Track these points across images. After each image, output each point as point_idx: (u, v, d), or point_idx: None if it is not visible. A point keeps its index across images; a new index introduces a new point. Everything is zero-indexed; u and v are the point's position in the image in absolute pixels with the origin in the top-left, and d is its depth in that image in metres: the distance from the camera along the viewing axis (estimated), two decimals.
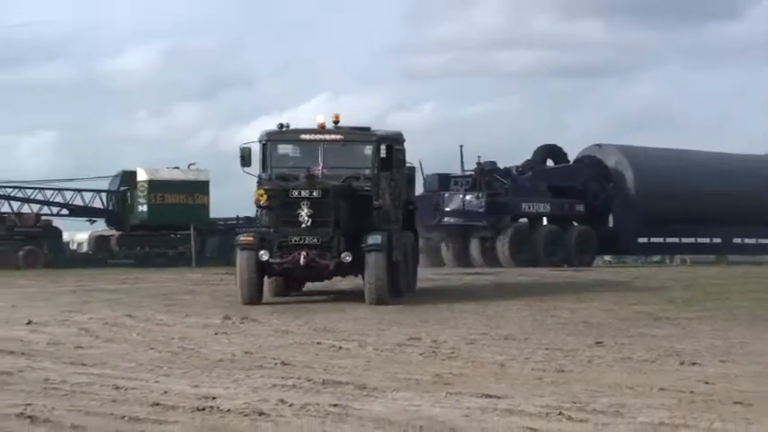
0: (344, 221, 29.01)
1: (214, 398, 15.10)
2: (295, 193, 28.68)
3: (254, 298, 28.67)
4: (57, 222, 70.22)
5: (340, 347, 21.09)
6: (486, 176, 58.17)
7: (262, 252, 28.50)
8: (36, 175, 75.25)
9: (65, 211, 69.94)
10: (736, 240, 61.73)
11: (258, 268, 28.84)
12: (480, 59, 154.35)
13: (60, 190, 69.73)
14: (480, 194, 56.39)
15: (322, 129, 30.70)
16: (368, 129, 31.68)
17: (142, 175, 68.97)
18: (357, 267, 29.40)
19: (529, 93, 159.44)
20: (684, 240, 61.88)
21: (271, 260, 28.64)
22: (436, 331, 23.63)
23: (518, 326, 25.76)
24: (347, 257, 28.49)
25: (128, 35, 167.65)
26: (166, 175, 69.44)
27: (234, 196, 72.88)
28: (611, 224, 60.37)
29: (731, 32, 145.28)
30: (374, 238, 28.72)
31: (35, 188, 69.37)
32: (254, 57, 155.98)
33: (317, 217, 28.49)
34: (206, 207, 68.67)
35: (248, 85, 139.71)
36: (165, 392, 15.79)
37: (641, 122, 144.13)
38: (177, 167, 70.84)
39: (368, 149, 30.76)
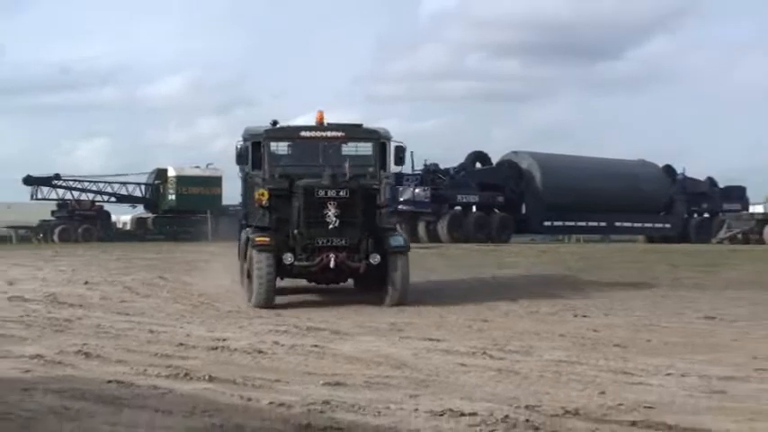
0: (366, 222, 21.02)
1: (224, 340, 15.09)
2: (321, 193, 20.29)
3: (269, 301, 20.22)
4: (107, 207, 70.37)
5: (320, 302, 21.07)
6: (431, 175, 58.48)
7: (287, 254, 20.31)
8: (91, 171, 75.77)
9: (113, 199, 70.20)
10: (617, 224, 61.81)
11: (276, 270, 20.49)
12: (427, 88, 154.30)
13: (110, 183, 70.06)
14: (426, 188, 56.60)
15: (321, 126, 21.97)
16: (360, 125, 22.64)
17: (171, 172, 69.46)
18: (377, 269, 21.02)
19: (464, 113, 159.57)
20: (579, 224, 61.96)
21: (296, 263, 20.49)
22: None
23: (454, 287, 25.79)
24: (375, 259, 20.46)
25: (161, 67, 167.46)
26: (190, 172, 69.91)
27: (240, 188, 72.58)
28: (524, 211, 60.44)
29: (615, 69, 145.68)
30: (397, 240, 21.16)
31: (91, 181, 69.59)
32: (258, 84, 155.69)
33: (344, 218, 20.37)
34: (219, 196, 68.86)
35: (253, 105, 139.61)
36: (188, 335, 15.79)
37: (548, 135, 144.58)
38: (198, 166, 71.26)
39: (370, 148, 22.02)
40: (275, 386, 11.32)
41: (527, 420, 9.44)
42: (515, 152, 62.65)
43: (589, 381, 11.82)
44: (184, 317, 18.86)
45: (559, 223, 61.76)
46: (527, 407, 10.13)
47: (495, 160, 62.32)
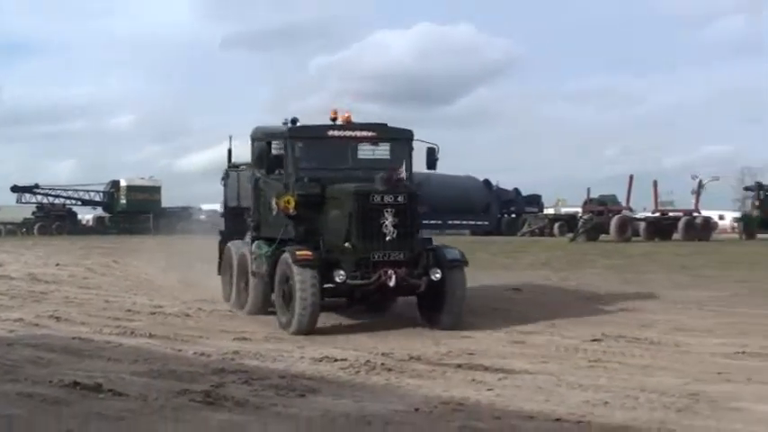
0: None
1: (161, 307, 14.97)
2: (378, 199, 12.76)
3: (313, 324, 12.44)
4: (74, 209, 69.52)
5: None
6: None
7: (339, 272, 12.53)
8: (63, 182, 74.13)
9: (79, 203, 69.40)
10: (450, 222, 62.32)
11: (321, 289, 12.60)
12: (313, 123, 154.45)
13: (76, 190, 69.25)
14: None
15: (349, 124, 14.09)
16: (385, 125, 14.42)
17: (123, 183, 68.97)
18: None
19: None
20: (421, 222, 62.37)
21: (350, 281, 12.56)
22: None
23: None
24: (436, 275, 12.79)
25: (120, 104, 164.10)
26: (137, 182, 69.47)
27: (175, 194, 72.30)
28: None
29: (449, 111, 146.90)
30: (453, 253, 13.48)
31: (62, 189, 68.86)
32: (191, 119, 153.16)
33: (401, 227, 12.80)
34: (159, 201, 68.61)
35: (187, 134, 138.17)
36: (134, 303, 15.60)
37: None
38: (143, 178, 70.69)
39: (403, 149, 14.12)
40: (198, 340, 11.30)
41: (383, 364, 9.57)
42: None
43: (428, 335, 11.99)
44: (131, 290, 18.62)
45: None
46: (383, 354, 10.25)
47: None
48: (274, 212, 13.80)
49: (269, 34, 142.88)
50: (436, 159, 14.48)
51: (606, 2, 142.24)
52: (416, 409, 7.44)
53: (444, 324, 12.80)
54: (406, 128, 14.31)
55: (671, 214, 51.44)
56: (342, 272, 12.46)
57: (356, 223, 12.65)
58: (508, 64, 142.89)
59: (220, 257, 16.50)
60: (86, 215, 74.09)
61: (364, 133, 13.98)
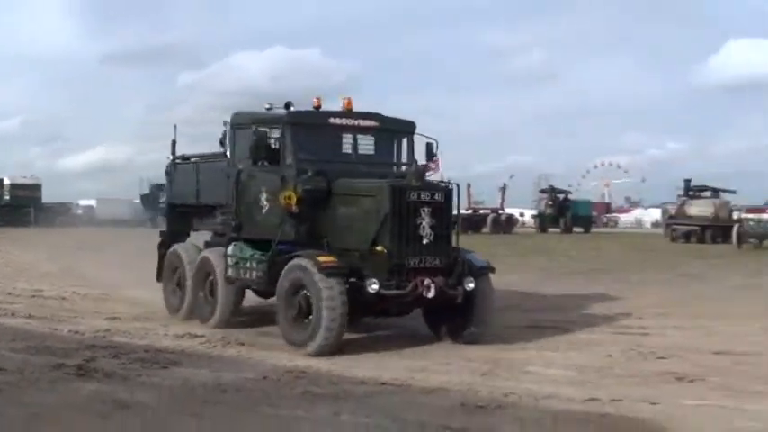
0: None
1: (40, 291, 14.49)
2: (414, 196, 9.36)
3: (339, 344, 9.00)
4: None
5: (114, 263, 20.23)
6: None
7: (371, 281, 8.98)
8: None
9: None
10: None
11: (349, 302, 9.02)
12: (181, 132, 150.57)
13: None
14: None
15: (351, 112, 10.52)
16: (381, 115, 10.81)
17: (6, 180, 65.93)
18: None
19: (205, 149, 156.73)
20: None
21: (383, 291, 9.03)
22: None
23: None
24: (470, 284, 9.56)
25: (6, 110, 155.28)
26: (20, 180, 66.55)
27: (54, 191, 69.76)
28: None
29: None
30: (479, 259, 10.12)
31: None
32: (71, 125, 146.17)
33: (437, 229, 9.45)
34: (40, 197, 65.89)
35: (67, 140, 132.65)
36: (14, 288, 15.00)
37: None
38: (25, 177, 68.04)
39: (407, 140, 10.89)
40: (73, 320, 11.00)
41: (236, 338, 9.59)
42: None
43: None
44: (13, 276, 17.83)
45: None
46: (237, 330, 10.20)
47: None
48: (264, 210, 10.42)
49: (143, 52, 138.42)
50: (435, 155, 11.23)
51: (434, 32, 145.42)
52: (265, 377, 7.49)
53: (472, 337, 9.87)
54: (407, 119, 11.11)
55: (481, 211, 53.15)
56: (374, 280, 9.09)
57: (390, 224, 9.33)
58: (347, 84, 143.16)
59: (161, 262, 12.53)
60: None
61: (368, 122, 10.67)
